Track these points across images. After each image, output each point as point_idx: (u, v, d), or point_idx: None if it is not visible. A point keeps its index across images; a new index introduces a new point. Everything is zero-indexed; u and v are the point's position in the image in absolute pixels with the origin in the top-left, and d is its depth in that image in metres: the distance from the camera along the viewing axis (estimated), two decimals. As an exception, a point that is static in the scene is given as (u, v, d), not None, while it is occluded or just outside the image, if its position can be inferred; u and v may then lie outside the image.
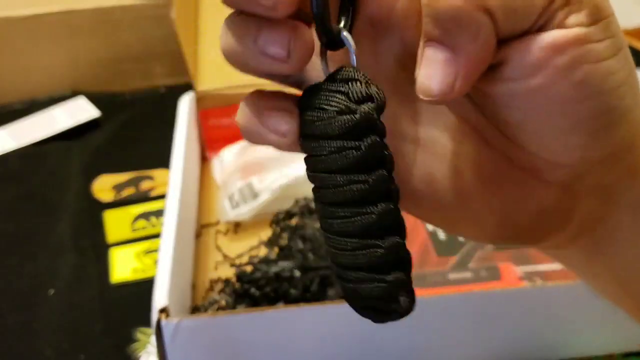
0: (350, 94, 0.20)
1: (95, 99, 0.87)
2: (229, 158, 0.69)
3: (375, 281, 0.21)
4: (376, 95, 0.20)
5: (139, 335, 0.52)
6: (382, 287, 0.21)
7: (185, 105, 0.69)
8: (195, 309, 0.52)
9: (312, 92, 0.21)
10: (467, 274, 0.49)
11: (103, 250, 0.62)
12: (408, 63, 0.21)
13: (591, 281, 0.27)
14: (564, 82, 0.19)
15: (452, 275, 0.49)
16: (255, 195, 0.62)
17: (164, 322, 0.41)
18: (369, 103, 0.20)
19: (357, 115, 0.20)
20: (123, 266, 0.59)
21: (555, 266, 0.50)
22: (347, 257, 0.21)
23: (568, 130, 0.20)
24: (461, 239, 0.53)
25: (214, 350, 0.44)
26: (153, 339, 0.44)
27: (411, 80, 0.20)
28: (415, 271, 0.50)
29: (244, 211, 0.62)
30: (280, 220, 0.61)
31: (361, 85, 0.20)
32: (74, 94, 0.88)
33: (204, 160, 0.74)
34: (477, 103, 0.22)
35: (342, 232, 0.21)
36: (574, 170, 0.21)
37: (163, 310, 0.42)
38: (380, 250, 0.21)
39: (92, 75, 0.89)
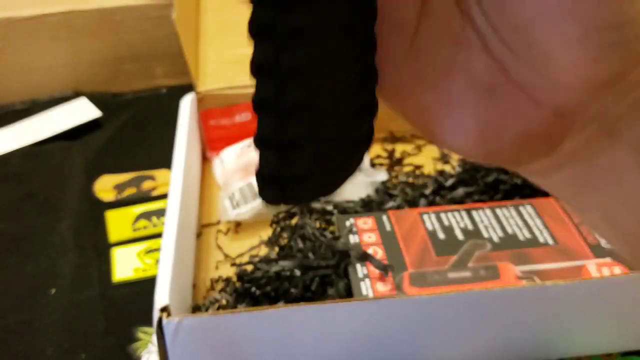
0: None
1: (96, 99, 0.87)
2: (230, 158, 0.70)
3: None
4: None
5: (140, 334, 0.53)
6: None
7: (187, 106, 0.69)
8: (196, 308, 0.52)
9: None
10: (467, 274, 0.49)
11: (104, 250, 0.62)
12: None
13: (581, 214, 0.25)
14: None
15: (452, 275, 0.49)
16: (255, 195, 0.63)
17: (165, 321, 0.41)
18: None
19: None
20: (124, 266, 0.60)
21: (554, 266, 0.50)
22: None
23: (578, 39, 0.18)
24: (460, 237, 0.53)
25: (215, 349, 0.44)
26: (154, 338, 0.44)
27: None
28: (414, 270, 0.50)
29: (244, 211, 0.62)
30: (280, 220, 0.61)
31: None
32: (75, 94, 0.88)
33: (205, 160, 0.74)
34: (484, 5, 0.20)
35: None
36: (575, 95, 0.20)
37: (164, 309, 0.42)
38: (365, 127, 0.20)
39: (93, 75, 0.90)
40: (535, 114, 0.20)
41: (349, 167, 0.21)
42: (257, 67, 0.18)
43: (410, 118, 0.23)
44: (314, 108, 0.19)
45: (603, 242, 0.53)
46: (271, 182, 0.20)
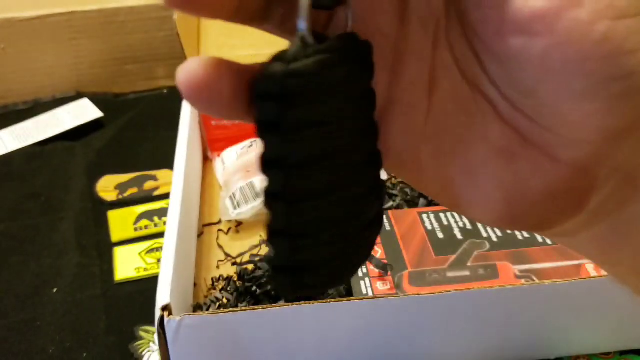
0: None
1: (98, 99, 0.87)
2: (231, 158, 0.70)
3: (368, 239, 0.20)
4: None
5: (141, 333, 0.53)
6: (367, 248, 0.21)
7: (188, 106, 0.69)
8: (197, 307, 0.52)
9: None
10: (465, 273, 0.50)
11: (106, 249, 0.62)
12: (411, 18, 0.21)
13: (608, 269, 0.25)
14: (583, 38, 0.18)
15: (450, 274, 0.50)
16: (256, 194, 0.63)
17: (166, 319, 0.42)
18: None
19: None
20: (126, 265, 0.60)
21: (553, 265, 0.50)
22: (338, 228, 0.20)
23: (584, 94, 0.18)
24: (459, 237, 0.54)
25: (216, 348, 0.44)
26: (156, 336, 0.44)
27: (413, 39, 0.20)
28: (414, 269, 0.50)
29: (245, 210, 0.62)
30: (281, 219, 0.62)
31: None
32: (77, 94, 0.88)
33: (206, 160, 0.74)
34: (489, 70, 0.20)
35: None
36: (591, 147, 0.20)
37: (165, 308, 0.42)
38: (374, 211, 0.20)
39: (95, 76, 0.90)
40: (556, 172, 0.20)
41: (361, 253, 0.21)
42: (266, 161, 0.19)
43: (434, 193, 0.23)
44: (321, 197, 0.19)
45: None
46: (284, 272, 0.20)
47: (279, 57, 0.18)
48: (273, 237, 0.19)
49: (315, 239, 0.19)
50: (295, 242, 0.19)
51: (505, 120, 0.21)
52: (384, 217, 0.56)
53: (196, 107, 0.19)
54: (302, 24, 0.18)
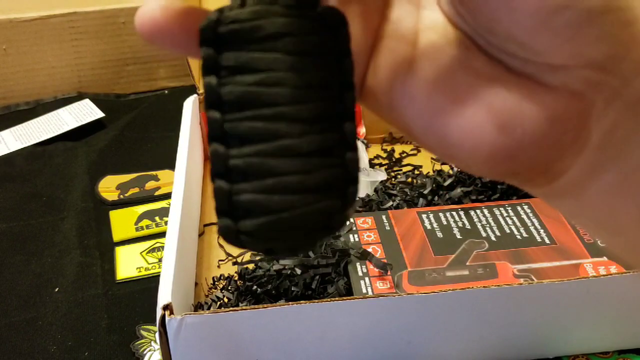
0: None
1: (99, 100, 0.88)
2: (232, 158, 0.70)
3: (333, 198, 0.19)
4: None
5: (143, 332, 0.53)
6: (337, 205, 0.19)
7: (189, 107, 0.69)
8: (198, 306, 0.52)
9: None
10: (464, 272, 0.50)
11: (108, 249, 0.62)
12: None
13: (615, 240, 0.23)
14: None
15: (450, 273, 0.50)
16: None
17: (167, 318, 0.42)
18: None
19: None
20: (127, 264, 0.60)
21: (551, 264, 0.51)
22: (294, 178, 0.19)
23: (553, 10, 0.18)
24: (459, 236, 0.54)
25: (216, 346, 0.44)
26: (157, 335, 0.44)
27: None
28: (413, 269, 0.50)
29: (246, 211, 0.62)
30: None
31: None
32: (79, 95, 0.89)
33: (207, 160, 0.75)
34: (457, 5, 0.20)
35: (288, 150, 0.19)
36: (579, 72, 0.19)
37: (167, 307, 0.42)
38: (340, 169, 0.19)
39: (96, 76, 0.90)
40: (548, 96, 0.19)
41: (322, 214, 0.19)
42: (205, 102, 0.19)
43: (422, 133, 0.22)
44: (258, 143, 0.19)
45: (599, 241, 0.53)
46: (222, 215, 0.19)
47: (221, 8, 0.19)
48: (212, 179, 0.19)
49: (254, 185, 0.19)
50: (232, 186, 0.19)
51: (486, 52, 0.20)
52: (385, 216, 0.56)
53: (154, 44, 0.20)
54: None
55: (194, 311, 0.50)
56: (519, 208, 0.57)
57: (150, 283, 0.58)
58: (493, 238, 0.54)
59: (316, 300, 0.44)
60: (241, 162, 0.19)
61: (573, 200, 0.22)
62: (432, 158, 0.74)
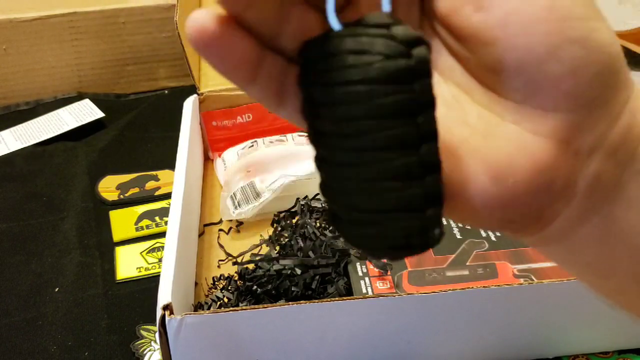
0: (397, 36, 0.19)
1: (100, 100, 0.88)
2: (232, 158, 0.70)
3: (411, 219, 0.20)
4: (424, 39, 0.19)
5: (143, 332, 0.53)
6: (417, 224, 0.20)
7: (189, 107, 0.69)
8: (198, 306, 0.52)
9: (330, 39, 0.19)
10: (464, 272, 0.50)
11: (108, 249, 0.62)
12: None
13: (604, 284, 0.25)
14: (533, 3, 0.19)
15: (450, 273, 0.50)
16: (257, 194, 0.63)
17: (167, 318, 0.42)
18: (422, 47, 0.19)
19: (412, 60, 0.19)
20: (127, 264, 0.60)
21: (552, 264, 0.51)
22: (377, 199, 0.20)
23: (548, 57, 0.19)
24: (459, 236, 0.54)
25: (216, 346, 0.44)
26: (157, 335, 0.44)
27: None
28: (413, 269, 0.50)
29: (246, 210, 0.62)
30: (281, 219, 0.62)
31: (406, 28, 0.19)
32: (79, 95, 0.89)
33: (207, 160, 0.75)
34: (454, 49, 0.21)
35: (376, 176, 0.20)
36: (567, 116, 0.20)
37: (167, 307, 0.42)
38: (419, 190, 0.20)
39: (96, 76, 0.90)
40: (538, 146, 0.21)
41: (403, 230, 0.21)
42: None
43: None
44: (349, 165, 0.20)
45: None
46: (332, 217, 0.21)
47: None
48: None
49: (335, 201, 0.21)
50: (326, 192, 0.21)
51: (480, 103, 0.22)
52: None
53: (205, 57, 0.20)
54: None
55: (194, 311, 0.50)
56: (519, 208, 0.57)
57: (150, 283, 0.58)
58: (493, 238, 0.54)
59: (316, 300, 0.44)
60: (328, 182, 0.21)
61: (563, 246, 0.23)
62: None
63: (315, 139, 0.21)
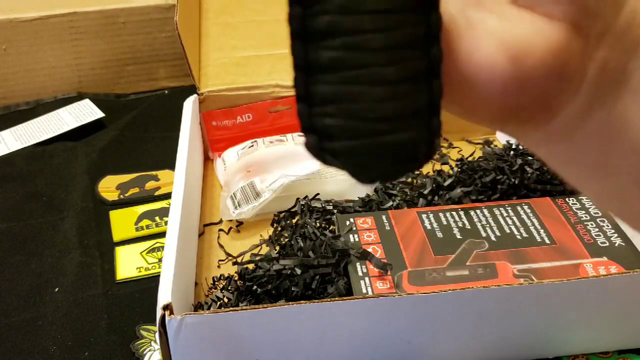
0: None
1: (99, 100, 0.88)
2: (232, 158, 0.70)
3: (415, 128, 0.19)
4: None
5: (143, 332, 0.53)
6: (423, 134, 0.19)
7: (189, 107, 0.69)
8: (198, 306, 0.53)
9: None
10: (464, 272, 0.50)
11: (108, 249, 0.62)
12: None
13: (608, 182, 0.24)
14: None
15: (450, 273, 0.50)
16: (257, 195, 0.63)
17: (167, 318, 0.42)
18: None
19: None
20: (127, 264, 0.60)
21: (551, 264, 0.51)
22: (389, 104, 0.19)
23: None
24: (459, 236, 0.54)
25: (216, 346, 0.44)
26: (157, 335, 0.44)
27: None
28: (413, 269, 0.50)
29: (246, 210, 0.62)
30: (281, 219, 0.62)
31: None
32: (78, 95, 0.89)
33: (207, 160, 0.75)
34: None
35: (389, 79, 0.19)
36: (579, 1, 0.21)
37: (167, 307, 0.42)
38: (427, 96, 0.19)
39: (96, 76, 0.90)
40: (553, 28, 0.21)
41: (405, 138, 0.20)
42: (292, 33, 0.19)
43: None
44: (341, 70, 0.19)
45: (599, 241, 0.53)
46: (307, 133, 0.20)
47: None
48: (297, 102, 0.20)
49: (339, 109, 0.19)
50: (311, 109, 0.19)
51: None
52: (385, 216, 0.56)
53: None
54: None
55: (194, 311, 0.50)
56: (518, 208, 0.57)
57: (150, 283, 0.58)
58: (493, 238, 0.54)
59: (316, 300, 0.44)
60: (325, 88, 0.19)
61: (567, 145, 0.23)
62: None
63: (309, 38, 0.19)
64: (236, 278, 0.55)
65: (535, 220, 0.56)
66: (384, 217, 0.57)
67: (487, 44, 0.21)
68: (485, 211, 0.57)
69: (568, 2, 0.21)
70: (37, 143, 0.79)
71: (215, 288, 0.55)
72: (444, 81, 0.20)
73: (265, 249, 0.60)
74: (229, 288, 0.53)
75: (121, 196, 0.70)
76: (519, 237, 0.54)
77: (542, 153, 0.25)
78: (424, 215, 0.57)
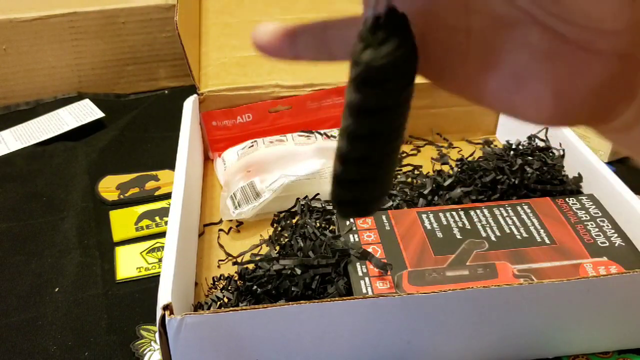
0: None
1: (99, 100, 0.88)
2: (232, 158, 0.70)
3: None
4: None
5: (143, 332, 0.53)
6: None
7: (189, 107, 0.69)
8: (198, 306, 0.52)
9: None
10: (464, 272, 0.50)
11: (108, 249, 0.62)
12: None
13: None
14: None
15: (450, 273, 0.50)
16: (257, 195, 0.63)
17: (167, 318, 0.42)
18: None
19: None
20: (127, 264, 0.60)
21: (551, 264, 0.51)
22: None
23: None
24: (459, 236, 0.54)
25: (216, 347, 0.44)
26: (157, 335, 0.44)
27: None
28: (413, 269, 0.50)
29: (246, 210, 0.62)
30: (281, 219, 0.62)
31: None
32: (79, 95, 0.89)
33: (207, 160, 0.75)
34: None
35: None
36: (627, 34, 0.21)
37: (167, 307, 0.42)
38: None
39: (96, 76, 0.90)
40: (601, 63, 0.22)
41: (385, 185, 0.27)
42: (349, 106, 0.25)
43: (488, 104, 0.25)
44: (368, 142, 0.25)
45: (599, 241, 0.53)
46: (340, 185, 0.27)
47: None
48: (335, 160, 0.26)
49: (358, 167, 0.26)
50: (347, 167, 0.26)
51: (542, 25, 0.22)
52: (385, 216, 0.56)
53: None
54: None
55: (194, 311, 0.50)
56: (519, 208, 0.57)
57: (150, 283, 0.58)
58: (493, 238, 0.54)
59: (316, 301, 0.44)
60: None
61: (625, 135, 0.25)
62: (432, 158, 0.74)
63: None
64: (236, 278, 0.54)
65: (535, 220, 0.56)
66: (384, 217, 0.57)
67: (533, 85, 0.23)
68: (485, 211, 0.57)
69: (617, 38, 0.21)
70: (37, 143, 0.79)
71: (215, 288, 0.55)
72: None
73: (265, 249, 0.60)
74: (229, 288, 0.53)
75: (121, 196, 0.70)
76: (519, 237, 0.54)
77: (605, 138, 0.26)
78: (424, 215, 0.57)
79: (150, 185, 0.72)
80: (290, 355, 0.45)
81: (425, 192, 0.61)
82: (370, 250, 0.52)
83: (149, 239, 0.64)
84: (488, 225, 0.55)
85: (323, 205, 0.61)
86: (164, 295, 0.43)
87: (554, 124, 0.24)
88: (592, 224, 0.55)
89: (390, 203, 0.61)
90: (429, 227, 0.55)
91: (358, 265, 0.51)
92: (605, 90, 0.22)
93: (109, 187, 0.72)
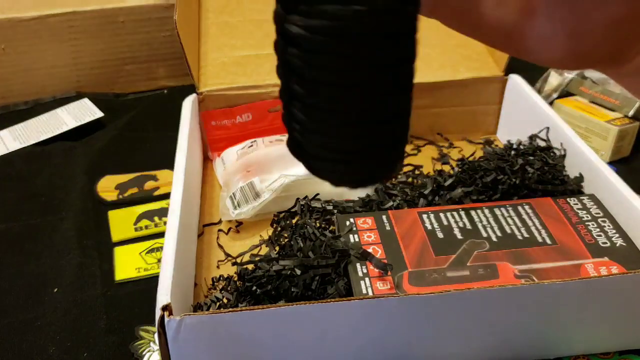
0: None
1: (98, 100, 0.87)
2: (231, 158, 0.70)
3: (379, 161, 0.23)
4: None
5: (142, 332, 0.53)
6: (384, 165, 0.23)
7: (188, 107, 0.69)
8: (197, 307, 0.52)
9: None
10: (465, 272, 0.50)
11: (106, 249, 0.62)
12: None
13: None
14: None
15: (450, 274, 0.50)
16: (256, 195, 0.63)
17: (166, 319, 0.42)
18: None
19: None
20: (126, 265, 0.60)
21: (552, 265, 0.51)
22: (352, 141, 0.22)
23: None
24: (459, 236, 0.54)
25: (216, 347, 0.44)
26: (156, 336, 0.44)
27: None
28: (413, 269, 0.50)
29: (245, 210, 0.62)
30: (281, 219, 0.62)
31: None
32: (77, 94, 0.89)
33: (206, 160, 0.75)
34: None
35: (352, 121, 0.22)
36: None
37: (166, 308, 0.42)
38: (390, 135, 0.23)
39: (95, 76, 0.90)
40: (613, 4, 0.22)
41: (383, 147, 0.23)
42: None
43: (498, 42, 0.24)
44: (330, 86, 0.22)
45: (601, 242, 0.53)
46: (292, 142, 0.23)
47: None
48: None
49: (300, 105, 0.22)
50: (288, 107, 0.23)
51: None
52: (385, 216, 0.56)
53: None
54: None
55: (193, 312, 0.50)
56: (519, 208, 0.57)
57: (149, 283, 0.58)
58: (494, 238, 0.54)
59: (316, 301, 0.44)
60: (295, 87, 0.22)
61: (637, 79, 0.25)
62: (432, 158, 0.74)
63: (292, 72, 0.22)
64: (236, 279, 0.54)
65: (536, 221, 0.56)
66: (384, 217, 0.56)
67: (548, 24, 0.22)
68: (486, 211, 0.57)
69: None
70: (36, 143, 0.79)
71: (215, 289, 0.55)
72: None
73: (264, 250, 0.59)
74: (229, 289, 0.53)
75: (120, 196, 0.70)
76: (520, 237, 0.54)
77: (618, 81, 0.26)
78: (424, 216, 0.56)
79: (149, 185, 0.72)
80: (290, 355, 0.45)
81: (426, 192, 0.61)
82: (370, 250, 0.52)
83: (148, 240, 0.63)
84: (489, 226, 0.55)
85: (323, 205, 0.61)
86: (163, 296, 0.43)
87: (567, 66, 0.23)
88: (593, 224, 0.55)
89: (391, 203, 0.61)
90: (429, 227, 0.55)
91: (358, 265, 0.51)
92: (620, 29, 0.22)
93: (107, 187, 0.71)
